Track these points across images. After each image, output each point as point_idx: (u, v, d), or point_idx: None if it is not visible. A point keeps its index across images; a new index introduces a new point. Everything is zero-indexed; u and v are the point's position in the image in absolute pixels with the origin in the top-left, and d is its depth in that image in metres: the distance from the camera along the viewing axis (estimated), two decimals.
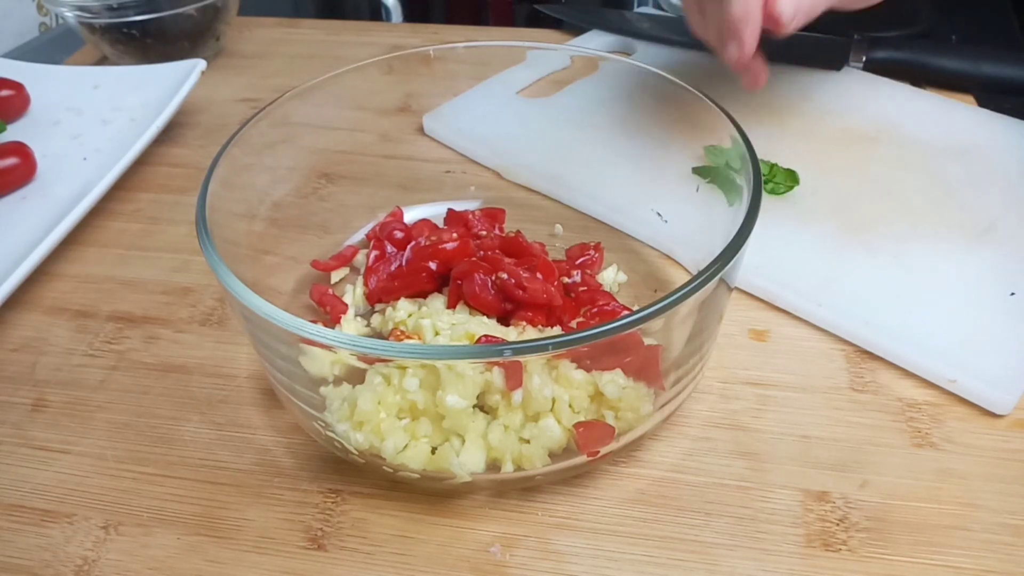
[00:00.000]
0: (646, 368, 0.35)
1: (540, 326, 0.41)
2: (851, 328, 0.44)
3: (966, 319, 0.44)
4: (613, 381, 0.35)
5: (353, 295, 0.47)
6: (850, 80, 0.66)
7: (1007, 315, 0.44)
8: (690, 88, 0.46)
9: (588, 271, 0.47)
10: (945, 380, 0.42)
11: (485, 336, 0.39)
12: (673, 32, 0.73)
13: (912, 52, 0.67)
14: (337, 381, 0.37)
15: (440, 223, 0.51)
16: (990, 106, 0.63)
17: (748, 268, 0.47)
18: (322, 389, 0.37)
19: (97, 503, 0.38)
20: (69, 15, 0.72)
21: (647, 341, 0.35)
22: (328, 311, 0.45)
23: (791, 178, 0.53)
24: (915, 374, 0.43)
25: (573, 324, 0.42)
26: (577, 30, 0.79)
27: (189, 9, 0.73)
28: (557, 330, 0.42)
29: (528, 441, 0.35)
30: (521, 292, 0.41)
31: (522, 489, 0.38)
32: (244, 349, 0.46)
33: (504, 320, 0.42)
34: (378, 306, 0.46)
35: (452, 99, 0.62)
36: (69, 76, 0.70)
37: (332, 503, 0.38)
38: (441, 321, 0.41)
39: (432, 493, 0.38)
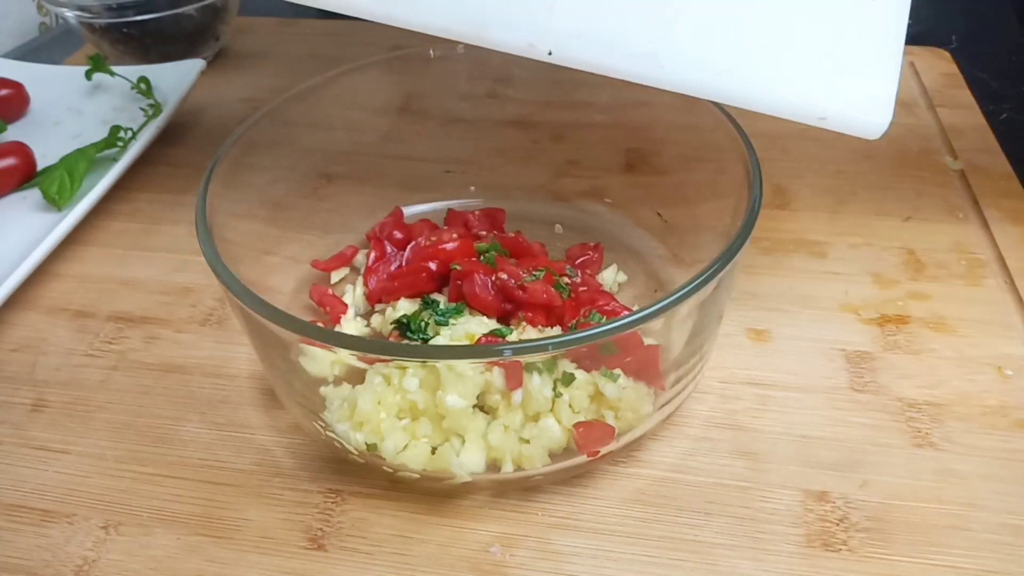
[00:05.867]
0: (646, 368, 0.35)
1: (540, 326, 0.41)
2: (704, 85, 0.38)
3: (820, 40, 0.38)
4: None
5: (353, 295, 0.47)
6: None
7: (861, 25, 0.39)
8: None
9: (588, 271, 0.47)
10: (815, 119, 0.38)
11: (485, 336, 0.39)
12: None
13: None
14: (337, 381, 0.37)
15: (440, 223, 0.51)
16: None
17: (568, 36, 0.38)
18: (322, 389, 0.37)
19: (97, 503, 0.38)
20: (69, 15, 0.72)
21: (647, 341, 0.35)
22: (328, 311, 0.45)
23: None
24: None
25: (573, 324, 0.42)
26: None
27: (189, 9, 0.73)
28: (557, 330, 0.42)
29: (528, 441, 0.35)
30: (521, 292, 0.41)
31: (522, 489, 0.38)
32: (244, 349, 0.46)
33: (504, 320, 0.42)
34: (378, 306, 0.46)
35: None
36: (69, 76, 0.70)
37: (332, 503, 0.38)
38: None
39: (432, 493, 0.38)
